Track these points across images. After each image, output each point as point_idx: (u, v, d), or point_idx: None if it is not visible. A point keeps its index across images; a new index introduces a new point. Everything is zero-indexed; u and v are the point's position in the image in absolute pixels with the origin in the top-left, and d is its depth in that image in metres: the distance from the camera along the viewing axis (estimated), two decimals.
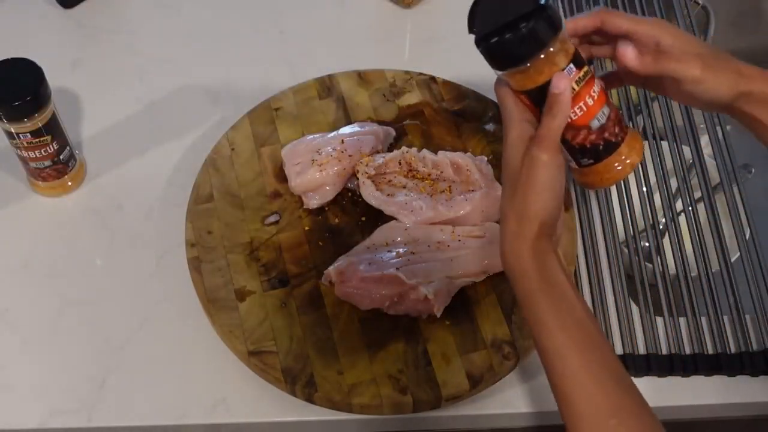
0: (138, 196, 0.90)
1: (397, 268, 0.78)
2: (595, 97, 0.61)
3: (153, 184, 0.91)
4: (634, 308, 0.83)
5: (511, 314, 0.79)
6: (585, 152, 0.62)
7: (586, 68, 0.60)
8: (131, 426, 0.77)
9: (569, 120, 0.60)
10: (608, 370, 0.57)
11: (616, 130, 0.61)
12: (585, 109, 0.60)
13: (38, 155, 0.85)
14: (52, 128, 0.84)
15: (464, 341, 0.78)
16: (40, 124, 0.83)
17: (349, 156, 0.87)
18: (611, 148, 0.62)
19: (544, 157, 0.58)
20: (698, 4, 1.13)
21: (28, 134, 0.83)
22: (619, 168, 0.62)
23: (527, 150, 0.59)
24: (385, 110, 0.95)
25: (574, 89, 0.59)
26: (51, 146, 0.85)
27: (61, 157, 0.87)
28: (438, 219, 0.84)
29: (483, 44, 0.59)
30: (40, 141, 0.84)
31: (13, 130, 0.83)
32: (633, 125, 0.97)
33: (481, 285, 0.81)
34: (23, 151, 0.85)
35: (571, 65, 0.59)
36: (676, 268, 0.86)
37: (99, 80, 1.01)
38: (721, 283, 0.85)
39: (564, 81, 0.58)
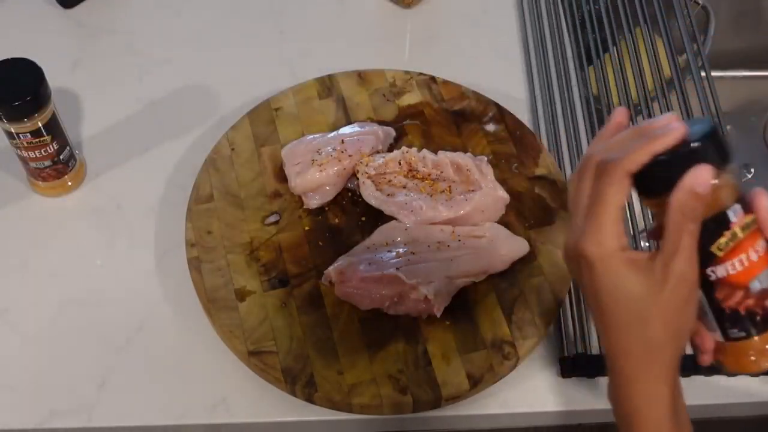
0: (138, 196, 0.90)
1: (397, 268, 0.78)
2: (761, 254, 0.53)
3: (153, 184, 0.91)
4: None
5: (511, 314, 0.79)
6: (737, 321, 0.54)
7: (753, 217, 0.53)
8: (131, 426, 0.77)
9: (725, 275, 0.53)
10: None
11: None
12: (746, 264, 0.53)
13: (38, 155, 0.85)
14: (52, 128, 0.84)
15: (464, 341, 0.78)
16: (40, 124, 0.83)
17: (349, 156, 0.87)
18: None
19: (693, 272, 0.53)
20: (698, 4, 1.13)
21: (28, 134, 0.83)
22: None
23: (668, 266, 0.52)
24: (385, 110, 0.95)
25: (737, 236, 0.52)
26: (51, 146, 0.85)
27: (61, 157, 0.87)
28: (438, 219, 0.84)
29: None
30: (40, 141, 0.84)
31: (13, 130, 0.83)
32: (634, 124, 0.97)
33: (481, 285, 0.81)
34: (23, 151, 0.85)
35: (738, 205, 0.53)
36: None
37: (99, 80, 1.01)
38: None
39: (707, 175, 0.51)
